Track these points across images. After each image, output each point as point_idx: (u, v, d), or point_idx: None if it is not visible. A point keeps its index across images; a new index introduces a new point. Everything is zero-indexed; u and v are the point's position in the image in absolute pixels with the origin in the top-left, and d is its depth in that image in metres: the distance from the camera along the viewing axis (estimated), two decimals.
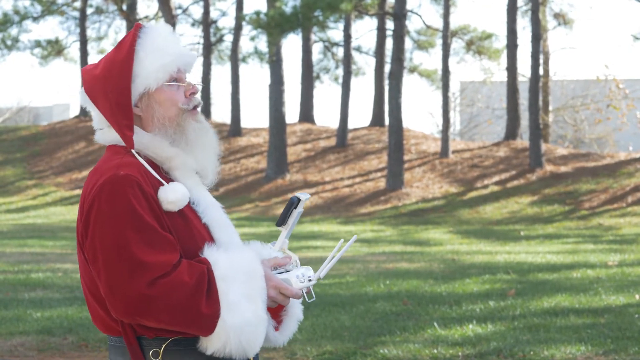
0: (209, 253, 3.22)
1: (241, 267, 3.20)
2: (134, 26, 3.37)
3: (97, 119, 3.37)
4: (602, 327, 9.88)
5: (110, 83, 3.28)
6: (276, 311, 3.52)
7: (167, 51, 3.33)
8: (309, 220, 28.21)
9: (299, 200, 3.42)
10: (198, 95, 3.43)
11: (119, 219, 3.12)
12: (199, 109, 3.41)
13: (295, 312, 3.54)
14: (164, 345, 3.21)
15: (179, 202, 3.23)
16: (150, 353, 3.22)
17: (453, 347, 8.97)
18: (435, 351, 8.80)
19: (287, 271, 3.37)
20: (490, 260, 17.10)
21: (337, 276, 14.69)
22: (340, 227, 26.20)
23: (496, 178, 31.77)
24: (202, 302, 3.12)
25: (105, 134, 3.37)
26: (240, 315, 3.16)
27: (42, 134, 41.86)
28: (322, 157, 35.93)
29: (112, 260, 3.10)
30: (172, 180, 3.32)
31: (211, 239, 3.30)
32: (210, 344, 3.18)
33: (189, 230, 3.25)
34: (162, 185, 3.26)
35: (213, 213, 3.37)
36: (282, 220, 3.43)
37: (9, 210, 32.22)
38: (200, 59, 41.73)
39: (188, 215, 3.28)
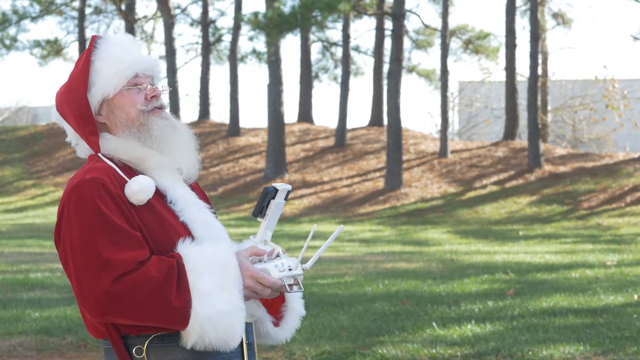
0: (182, 247, 3.25)
1: (212, 258, 3.23)
2: (91, 38, 3.48)
3: (70, 134, 3.48)
4: (600, 327, 9.88)
5: (71, 96, 3.40)
6: (275, 306, 3.54)
7: (124, 58, 3.42)
8: (307, 220, 28.22)
9: (275, 190, 3.40)
10: (163, 98, 3.49)
11: (86, 221, 3.19)
12: (164, 110, 3.46)
13: (295, 307, 3.55)
14: (146, 342, 3.25)
15: (145, 188, 3.28)
16: (134, 350, 3.26)
17: (452, 347, 8.98)
18: (433, 351, 8.81)
19: (265, 261, 3.36)
20: (489, 260, 17.11)
21: (335, 276, 14.70)
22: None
23: (495, 178, 31.78)
24: (172, 295, 3.16)
25: (82, 147, 3.47)
26: (213, 305, 3.17)
27: (40, 134, 41.86)
28: (320, 157, 35.93)
29: (80, 261, 3.17)
30: None
31: (190, 236, 3.32)
32: (188, 336, 3.21)
33: (162, 226, 3.29)
34: None
35: (192, 211, 3.40)
36: (257, 211, 3.41)
37: (8, 210, 32.22)
38: (199, 59, 41.73)
39: (162, 212, 3.33)
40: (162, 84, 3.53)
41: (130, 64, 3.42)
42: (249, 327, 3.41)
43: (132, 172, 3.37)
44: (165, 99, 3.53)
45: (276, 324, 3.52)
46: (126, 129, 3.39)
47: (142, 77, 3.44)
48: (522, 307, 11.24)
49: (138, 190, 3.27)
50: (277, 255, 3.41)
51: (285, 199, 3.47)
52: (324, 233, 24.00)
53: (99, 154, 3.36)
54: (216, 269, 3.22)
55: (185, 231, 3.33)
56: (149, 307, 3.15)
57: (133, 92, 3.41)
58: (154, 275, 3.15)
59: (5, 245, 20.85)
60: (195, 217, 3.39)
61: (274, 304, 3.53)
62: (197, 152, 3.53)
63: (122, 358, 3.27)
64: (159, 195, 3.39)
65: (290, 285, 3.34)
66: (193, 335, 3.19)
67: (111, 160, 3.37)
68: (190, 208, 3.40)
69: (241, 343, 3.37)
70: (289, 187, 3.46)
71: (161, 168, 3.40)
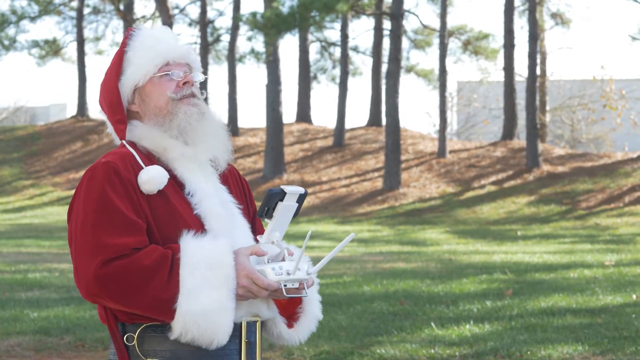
0: (184, 240, 3.25)
1: (208, 254, 3.22)
2: (127, 30, 3.53)
3: (108, 124, 3.52)
4: (599, 327, 9.88)
5: (104, 87, 3.47)
6: (291, 308, 3.52)
7: (155, 47, 3.45)
8: (305, 220, 28.22)
9: (283, 192, 3.33)
10: (195, 86, 3.50)
11: (90, 203, 3.23)
12: (195, 98, 3.47)
13: (311, 309, 3.53)
14: (138, 331, 3.28)
15: (153, 179, 3.28)
16: (125, 337, 3.30)
17: (450, 347, 8.98)
18: (432, 351, 8.80)
19: (269, 262, 3.32)
20: (487, 260, 17.11)
21: (334, 276, 14.70)
22: (337, 227, 26.20)
23: (493, 178, 31.78)
24: (160, 286, 3.17)
25: (115, 136, 3.52)
26: (198, 302, 3.17)
27: (39, 134, 41.84)
28: (319, 157, 35.93)
29: (78, 241, 3.22)
30: (170, 170, 3.39)
31: (202, 229, 3.31)
32: (173, 329, 3.22)
33: (171, 217, 3.30)
34: None
35: (209, 204, 3.38)
36: (262, 212, 3.35)
37: (6, 210, 32.20)
38: None
39: (175, 203, 3.33)
40: (199, 73, 3.55)
41: (160, 52, 3.44)
42: (252, 326, 3.38)
43: (154, 160, 3.38)
44: (198, 87, 3.53)
45: (290, 326, 3.51)
46: (154, 117, 3.41)
47: (173, 65, 3.45)
48: (521, 307, 11.24)
49: (146, 180, 3.28)
50: (283, 258, 3.37)
51: (299, 202, 3.39)
52: (322, 233, 24.01)
53: (123, 141, 3.40)
54: (210, 265, 3.21)
55: (197, 224, 3.32)
56: (136, 295, 3.17)
57: (164, 80, 3.43)
58: (145, 264, 3.17)
59: (3, 245, 20.84)
60: (211, 210, 3.37)
61: (289, 306, 3.52)
62: (228, 141, 3.52)
63: (117, 344, 3.30)
64: (179, 185, 3.39)
65: (290, 289, 3.30)
66: (177, 328, 3.20)
67: (134, 147, 3.39)
68: (207, 201, 3.38)
69: (240, 340, 3.35)
70: (301, 190, 3.38)
71: (184, 159, 3.40)
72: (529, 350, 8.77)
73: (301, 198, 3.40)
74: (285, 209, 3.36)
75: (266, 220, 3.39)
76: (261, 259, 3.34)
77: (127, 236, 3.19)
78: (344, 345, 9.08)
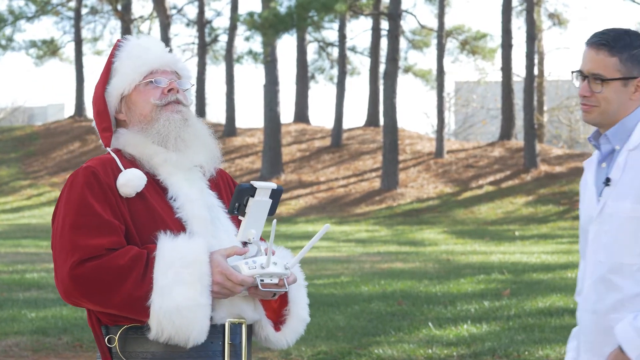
0: (160, 240, 3.28)
1: (182, 253, 3.24)
2: (116, 42, 3.59)
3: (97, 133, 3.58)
4: None
5: (93, 98, 3.53)
6: (278, 310, 3.52)
7: (141, 57, 3.50)
8: (303, 220, 28.22)
9: (253, 188, 3.30)
10: (183, 93, 3.52)
11: (69, 206, 3.29)
12: (180, 105, 3.48)
13: (298, 312, 3.52)
14: (119, 332, 3.30)
15: (130, 182, 3.32)
16: (107, 339, 3.33)
17: (448, 347, 8.98)
18: (430, 351, 8.81)
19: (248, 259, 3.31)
20: (485, 260, 17.11)
21: (332, 276, 14.70)
22: (335, 227, 26.19)
23: (491, 178, 31.79)
24: (134, 284, 3.20)
25: None
26: (171, 298, 3.19)
27: (36, 134, 41.81)
28: (316, 157, 35.92)
29: (57, 243, 3.28)
30: (154, 176, 3.43)
31: (183, 232, 3.33)
32: (150, 328, 3.24)
33: (151, 220, 3.33)
34: None
35: (193, 209, 3.40)
36: (232, 208, 3.34)
37: (4, 211, 32.18)
38: (195, 59, 41.71)
39: (155, 207, 3.36)
40: (187, 81, 3.57)
41: (146, 60, 3.49)
42: (237, 327, 3.37)
43: (137, 166, 3.41)
44: (187, 94, 3.54)
45: (277, 329, 3.50)
46: (138, 124, 3.45)
47: (158, 73, 3.49)
48: (518, 307, 11.24)
49: (124, 183, 3.32)
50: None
51: (273, 197, 3.36)
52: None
53: (107, 149, 3.44)
54: (184, 263, 3.23)
55: (179, 227, 3.34)
56: (111, 294, 3.20)
57: (149, 88, 3.47)
58: (120, 264, 3.20)
59: (1, 245, 20.83)
60: (193, 213, 3.39)
61: (276, 308, 3.51)
62: (215, 147, 3.56)
63: (100, 346, 3.34)
64: (162, 190, 3.42)
65: (267, 284, 3.27)
66: (153, 326, 3.22)
67: (119, 154, 3.42)
68: (190, 204, 3.40)
69: (223, 342, 3.35)
70: (274, 185, 3.36)
71: (168, 164, 3.44)
72: (527, 350, 8.77)
73: (275, 194, 3.37)
74: (257, 204, 3.33)
75: (240, 217, 3.36)
76: (239, 257, 3.32)
77: (102, 237, 3.23)
78: (342, 346, 9.09)
